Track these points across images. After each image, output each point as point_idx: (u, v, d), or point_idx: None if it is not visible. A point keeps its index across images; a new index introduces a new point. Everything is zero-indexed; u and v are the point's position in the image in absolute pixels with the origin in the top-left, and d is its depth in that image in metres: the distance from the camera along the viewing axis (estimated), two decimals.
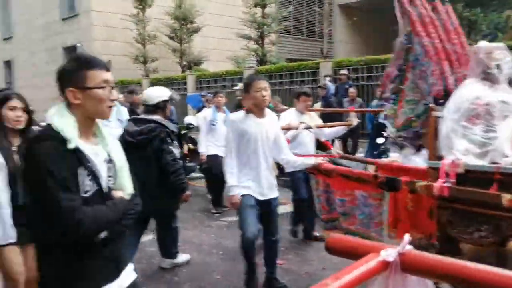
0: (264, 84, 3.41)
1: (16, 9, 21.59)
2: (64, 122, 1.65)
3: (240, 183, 3.40)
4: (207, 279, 3.96)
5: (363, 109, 8.70)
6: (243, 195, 3.39)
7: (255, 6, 15.92)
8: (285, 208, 5.50)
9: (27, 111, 2.73)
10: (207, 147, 6.17)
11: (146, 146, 3.58)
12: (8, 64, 23.06)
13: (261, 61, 15.51)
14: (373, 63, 10.44)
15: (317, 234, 4.82)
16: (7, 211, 2.61)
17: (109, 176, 1.77)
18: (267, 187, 3.46)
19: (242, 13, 16.23)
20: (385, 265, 1.04)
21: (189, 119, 8.43)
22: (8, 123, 2.66)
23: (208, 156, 6.14)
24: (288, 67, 12.66)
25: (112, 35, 17.44)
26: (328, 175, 3.40)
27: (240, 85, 9.68)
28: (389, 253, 1.05)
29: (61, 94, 1.72)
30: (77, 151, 1.65)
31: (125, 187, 1.83)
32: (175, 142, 3.71)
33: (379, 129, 5.58)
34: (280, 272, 3.79)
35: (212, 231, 5.42)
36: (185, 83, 14.98)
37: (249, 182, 3.41)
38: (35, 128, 2.82)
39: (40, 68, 20.28)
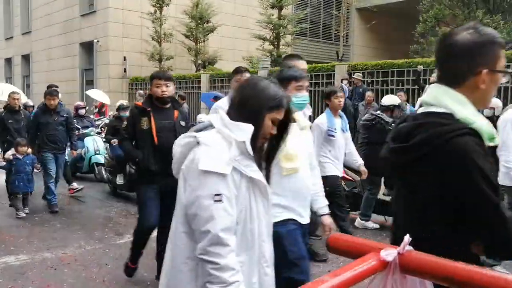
0: None
1: (36, 4, 21.94)
2: (473, 113, 1.37)
3: None
4: None
5: None
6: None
7: (272, 7, 15.93)
8: None
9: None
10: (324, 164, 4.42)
11: None
12: (26, 58, 23.47)
13: (276, 62, 15.50)
14: (389, 67, 10.38)
15: None
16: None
17: None
18: None
19: (259, 14, 16.25)
20: (384, 265, 1.04)
21: (201, 117, 8.47)
22: (263, 131, 1.63)
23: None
24: None
25: (128, 32, 17.60)
26: None
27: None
28: (389, 253, 1.04)
29: (462, 75, 1.38)
30: None
31: None
32: None
33: None
34: None
35: None
36: (199, 82, 15.05)
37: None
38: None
39: (56, 63, 20.59)
